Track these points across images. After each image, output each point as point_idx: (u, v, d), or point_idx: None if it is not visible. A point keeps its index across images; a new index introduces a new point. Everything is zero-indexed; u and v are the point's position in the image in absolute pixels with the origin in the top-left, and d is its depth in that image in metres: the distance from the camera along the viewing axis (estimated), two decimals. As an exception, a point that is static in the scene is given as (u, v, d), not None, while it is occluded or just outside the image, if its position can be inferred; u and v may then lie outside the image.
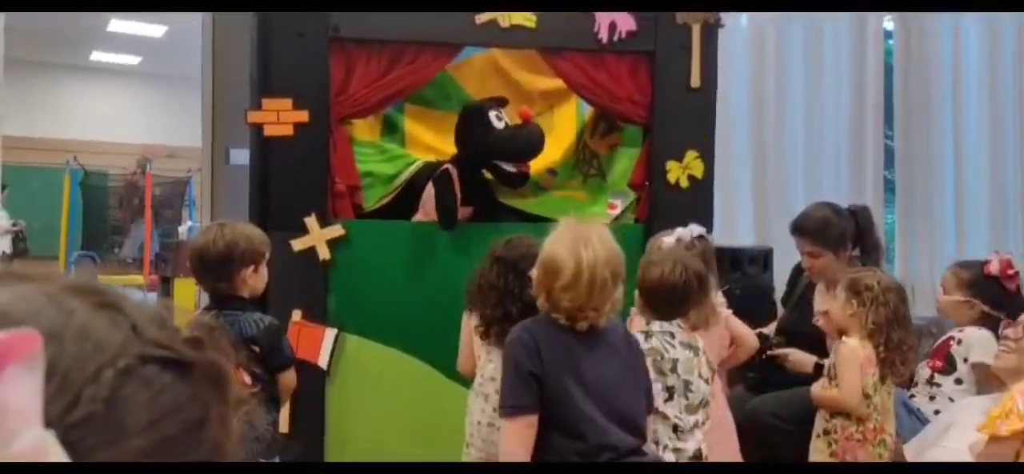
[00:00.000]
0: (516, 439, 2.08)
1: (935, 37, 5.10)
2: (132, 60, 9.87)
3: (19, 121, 7.75)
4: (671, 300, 2.47)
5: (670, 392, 2.39)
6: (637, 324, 2.56)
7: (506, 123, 3.37)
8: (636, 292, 2.54)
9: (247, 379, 2.38)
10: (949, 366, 3.02)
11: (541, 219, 3.55)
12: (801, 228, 3.30)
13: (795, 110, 4.98)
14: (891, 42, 5.16)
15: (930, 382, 3.05)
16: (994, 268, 2.94)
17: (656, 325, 2.46)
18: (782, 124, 4.95)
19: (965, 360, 3.00)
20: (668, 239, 2.87)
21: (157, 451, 0.47)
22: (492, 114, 3.36)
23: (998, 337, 2.91)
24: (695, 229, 2.94)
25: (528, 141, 3.39)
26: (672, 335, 2.45)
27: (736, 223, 4.77)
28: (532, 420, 2.08)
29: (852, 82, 4.99)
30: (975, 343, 2.99)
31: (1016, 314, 2.91)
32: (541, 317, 2.16)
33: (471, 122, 3.40)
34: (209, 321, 0.58)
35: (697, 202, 3.39)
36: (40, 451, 0.42)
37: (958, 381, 2.99)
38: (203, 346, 0.52)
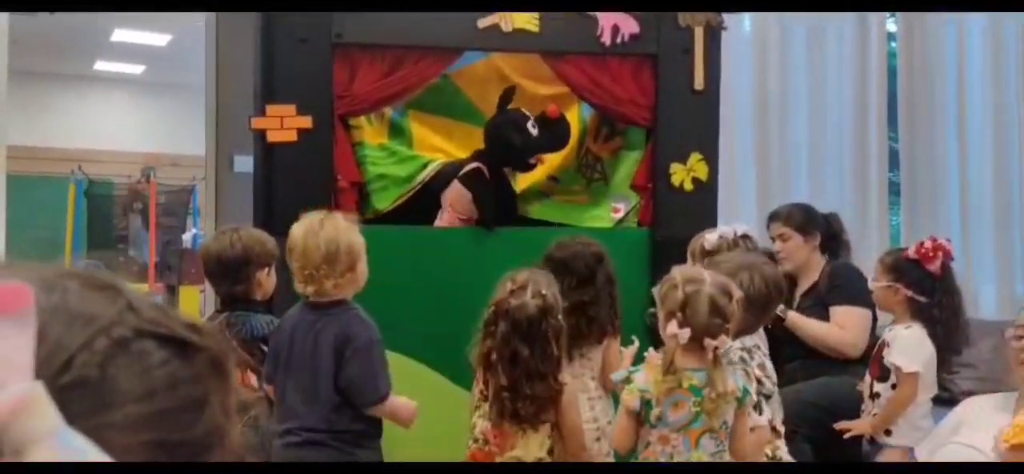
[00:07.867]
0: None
1: (939, 39, 5.10)
2: (136, 69, 9.87)
3: (23, 131, 7.74)
4: (750, 311, 2.34)
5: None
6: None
7: (539, 128, 3.39)
8: None
9: (254, 381, 2.39)
10: (885, 373, 2.90)
11: (544, 224, 3.55)
12: (774, 214, 3.54)
13: (799, 113, 4.98)
14: (894, 45, 5.16)
15: (872, 394, 2.94)
16: (911, 252, 2.92)
17: (748, 340, 2.37)
18: (786, 126, 4.94)
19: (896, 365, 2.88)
20: (711, 236, 2.83)
21: (153, 423, 0.47)
22: (529, 123, 3.37)
23: (931, 332, 2.86)
24: (739, 228, 2.90)
25: (560, 138, 3.49)
26: (758, 347, 2.42)
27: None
28: None
29: (856, 84, 4.99)
30: (896, 348, 2.87)
31: (943, 295, 2.89)
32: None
33: (511, 130, 3.37)
34: (218, 322, 0.59)
35: (701, 205, 3.39)
36: (28, 400, 0.41)
37: (895, 386, 2.86)
38: (203, 333, 0.52)
